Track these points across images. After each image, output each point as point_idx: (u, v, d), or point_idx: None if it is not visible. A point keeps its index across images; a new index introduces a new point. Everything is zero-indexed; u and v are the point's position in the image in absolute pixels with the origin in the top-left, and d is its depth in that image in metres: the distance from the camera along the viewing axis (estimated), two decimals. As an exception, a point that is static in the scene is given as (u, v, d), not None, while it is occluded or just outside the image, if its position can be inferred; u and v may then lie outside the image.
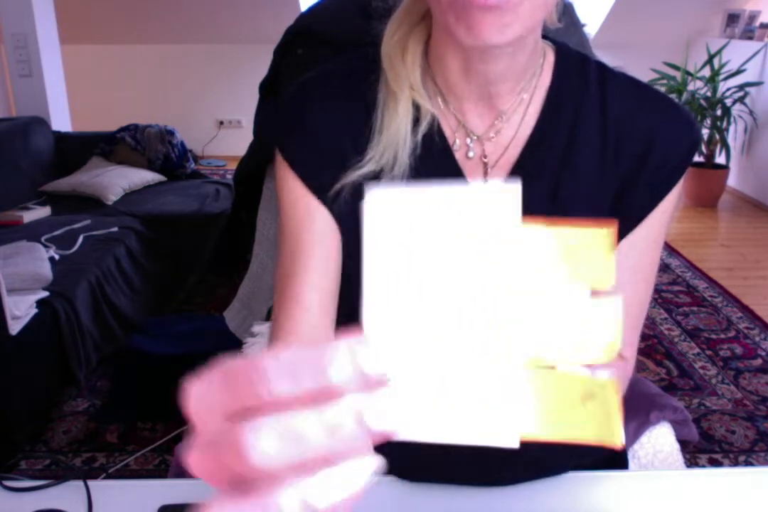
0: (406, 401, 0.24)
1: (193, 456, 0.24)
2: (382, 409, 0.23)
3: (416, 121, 0.67)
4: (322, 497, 0.23)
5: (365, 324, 0.25)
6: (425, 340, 0.25)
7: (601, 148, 0.68)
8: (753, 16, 4.41)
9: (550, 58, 0.69)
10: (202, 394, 0.24)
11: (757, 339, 2.59)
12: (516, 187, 0.24)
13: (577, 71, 0.69)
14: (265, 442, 0.22)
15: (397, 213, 0.25)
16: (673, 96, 3.80)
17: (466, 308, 0.25)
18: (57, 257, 2.25)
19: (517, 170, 0.68)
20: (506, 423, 0.25)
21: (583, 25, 0.94)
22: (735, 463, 1.89)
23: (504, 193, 0.24)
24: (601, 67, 0.70)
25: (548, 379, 0.26)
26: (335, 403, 0.23)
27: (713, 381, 2.29)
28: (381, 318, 0.25)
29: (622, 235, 0.68)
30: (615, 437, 0.26)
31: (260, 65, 1.00)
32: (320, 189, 0.69)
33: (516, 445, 0.24)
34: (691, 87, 4.21)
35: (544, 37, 0.68)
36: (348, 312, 0.71)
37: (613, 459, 0.85)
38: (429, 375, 0.25)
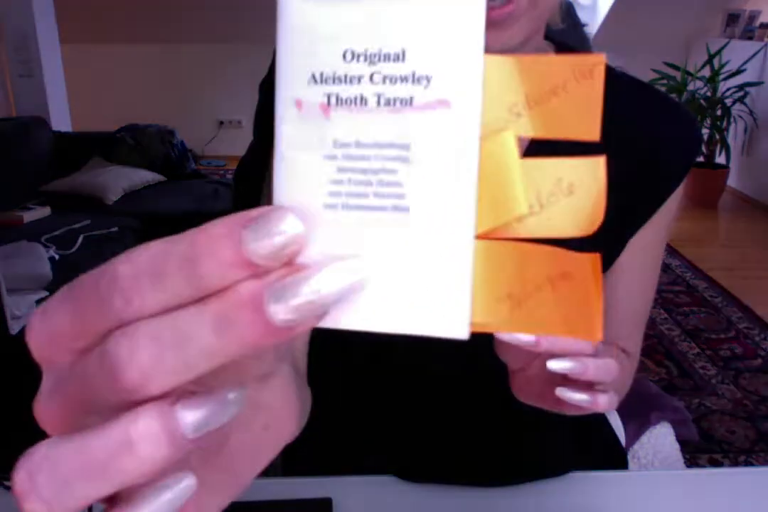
0: (324, 283, 0.18)
1: (39, 402, 0.19)
2: (288, 295, 0.17)
3: None
4: (197, 422, 0.18)
5: (275, 190, 0.20)
6: (350, 202, 0.20)
7: (604, 149, 0.68)
8: (753, 16, 4.41)
9: None
10: (45, 322, 0.19)
11: (757, 339, 2.59)
12: (480, 2, 0.19)
13: None
14: (139, 350, 0.17)
15: (323, 29, 0.20)
16: (673, 96, 3.79)
17: (408, 162, 0.19)
18: (57, 257, 2.25)
19: None
20: (453, 309, 0.19)
21: (583, 25, 0.94)
22: (735, 463, 1.89)
23: (465, 3, 0.19)
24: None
25: (506, 254, 0.21)
26: (223, 293, 0.18)
27: (713, 381, 2.29)
28: (294, 177, 0.20)
29: (627, 236, 0.69)
30: (592, 329, 0.21)
31: (260, 65, 1.00)
32: None
33: (465, 335, 0.19)
34: (691, 87, 4.21)
35: (545, 37, 0.68)
36: None
37: (613, 459, 0.85)
38: (354, 250, 0.19)
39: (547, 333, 0.21)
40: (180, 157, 3.25)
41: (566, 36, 0.73)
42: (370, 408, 0.76)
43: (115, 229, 2.53)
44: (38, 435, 0.20)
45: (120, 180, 2.92)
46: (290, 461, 0.80)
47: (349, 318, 0.19)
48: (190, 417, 0.18)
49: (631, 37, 4.46)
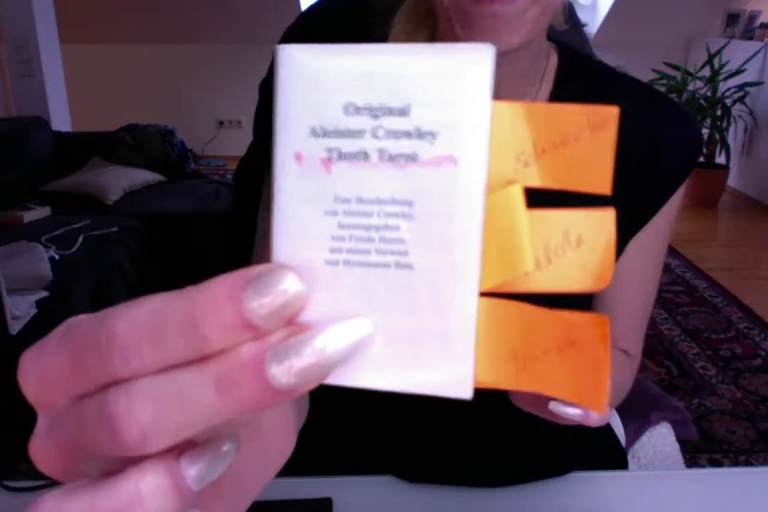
0: (327, 344, 0.18)
1: (35, 443, 0.19)
2: (290, 357, 0.17)
3: None
4: (201, 475, 0.18)
5: (275, 245, 0.20)
6: (352, 259, 0.19)
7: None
8: (753, 16, 4.41)
9: (554, 59, 0.69)
10: (39, 366, 0.18)
11: (757, 339, 2.59)
12: (487, 50, 0.18)
13: (580, 73, 0.69)
14: (140, 409, 0.17)
15: (324, 81, 0.19)
16: (673, 96, 3.79)
17: (411, 219, 0.19)
18: (57, 257, 2.25)
19: None
20: (457, 369, 0.19)
21: (583, 25, 0.94)
22: (735, 463, 1.89)
23: (473, 57, 0.18)
24: (604, 67, 0.70)
25: (512, 314, 0.20)
26: (224, 354, 0.17)
27: (713, 381, 2.29)
28: (294, 233, 0.19)
29: (628, 237, 0.69)
30: (597, 400, 0.20)
31: (260, 65, 1.00)
32: None
33: (468, 396, 0.19)
34: (691, 87, 4.21)
35: (547, 37, 0.68)
36: None
37: (613, 459, 0.85)
38: (357, 308, 0.19)
39: (551, 395, 0.20)
40: (180, 157, 3.25)
41: (566, 36, 0.73)
42: (371, 408, 0.76)
43: (115, 229, 2.53)
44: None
45: (120, 180, 2.92)
46: (290, 461, 0.79)
47: (351, 376, 0.19)
48: (193, 470, 0.18)
49: (631, 37, 4.46)
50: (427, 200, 0.19)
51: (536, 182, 0.20)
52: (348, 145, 0.19)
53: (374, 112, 0.19)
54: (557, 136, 0.20)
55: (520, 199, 0.20)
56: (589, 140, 0.20)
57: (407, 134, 0.19)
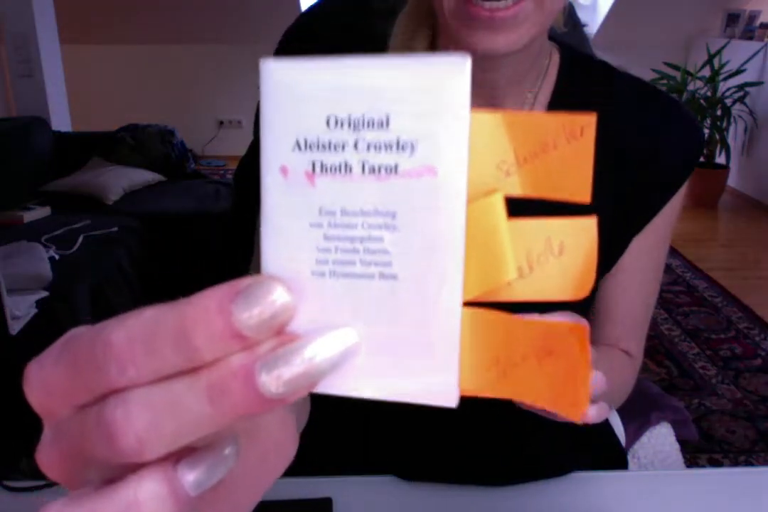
0: (315, 354, 0.18)
1: (41, 451, 0.20)
2: (280, 367, 0.18)
3: None
4: (198, 480, 0.19)
5: (263, 257, 0.20)
6: (337, 270, 0.20)
7: (606, 149, 0.68)
8: (753, 16, 4.41)
9: (556, 59, 0.69)
10: (42, 377, 0.19)
11: (757, 339, 2.59)
12: (464, 62, 0.19)
13: (581, 72, 0.69)
14: (136, 417, 0.18)
15: (306, 94, 0.19)
16: (673, 96, 3.80)
17: (394, 230, 0.19)
18: (57, 257, 2.25)
19: None
20: (441, 378, 0.20)
21: (583, 25, 0.94)
22: (735, 463, 1.89)
23: (450, 69, 0.19)
24: (606, 67, 0.70)
25: (493, 323, 0.20)
26: (216, 364, 0.18)
27: (713, 381, 2.29)
28: (281, 244, 0.20)
29: (629, 237, 0.69)
30: (575, 408, 0.20)
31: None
32: None
33: (454, 404, 0.20)
34: (691, 87, 4.21)
35: (549, 37, 0.68)
36: None
37: (613, 459, 0.85)
38: (343, 318, 0.20)
39: (533, 402, 0.21)
40: (180, 157, 3.25)
41: (566, 36, 0.73)
42: (371, 408, 0.76)
43: (115, 229, 2.53)
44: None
45: (120, 180, 2.92)
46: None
47: (338, 385, 0.20)
48: (191, 476, 0.19)
49: (631, 37, 4.46)
50: (410, 211, 0.19)
51: (517, 191, 0.20)
52: (331, 158, 0.19)
53: (355, 123, 0.19)
54: (537, 144, 0.20)
55: (501, 208, 0.20)
56: (567, 149, 0.20)
57: (388, 146, 0.19)
